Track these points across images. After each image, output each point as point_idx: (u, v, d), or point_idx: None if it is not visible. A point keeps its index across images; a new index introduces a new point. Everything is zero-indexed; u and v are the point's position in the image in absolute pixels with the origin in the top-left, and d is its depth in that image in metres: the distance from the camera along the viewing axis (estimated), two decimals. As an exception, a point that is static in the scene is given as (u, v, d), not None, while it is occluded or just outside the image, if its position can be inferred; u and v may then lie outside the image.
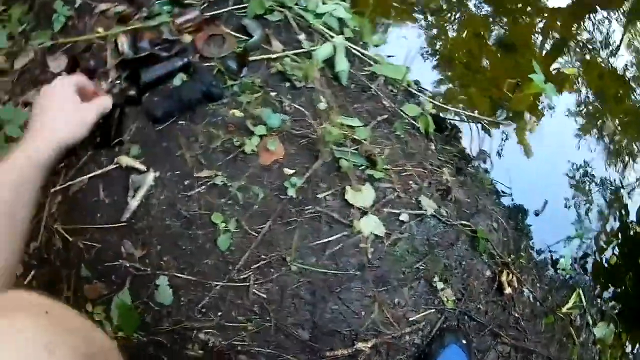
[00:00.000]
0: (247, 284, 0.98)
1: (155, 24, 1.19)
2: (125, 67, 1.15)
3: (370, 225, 0.99)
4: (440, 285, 1.04)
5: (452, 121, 1.24)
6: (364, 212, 1.00)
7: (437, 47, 1.53)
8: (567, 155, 1.46)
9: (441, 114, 1.19)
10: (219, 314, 1.00)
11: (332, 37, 1.11)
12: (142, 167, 1.06)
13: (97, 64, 1.18)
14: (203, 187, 1.02)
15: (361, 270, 1.00)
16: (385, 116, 1.09)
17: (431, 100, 1.12)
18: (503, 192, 1.28)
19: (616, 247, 1.34)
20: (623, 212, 1.46)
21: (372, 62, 1.12)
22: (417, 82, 1.25)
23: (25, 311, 0.46)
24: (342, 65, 1.08)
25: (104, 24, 1.26)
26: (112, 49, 1.19)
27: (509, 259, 1.11)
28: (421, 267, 1.03)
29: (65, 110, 0.83)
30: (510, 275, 1.11)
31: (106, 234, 1.05)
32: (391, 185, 1.03)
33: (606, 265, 1.37)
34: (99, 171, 1.06)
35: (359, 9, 1.20)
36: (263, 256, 0.99)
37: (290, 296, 0.99)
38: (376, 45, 1.19)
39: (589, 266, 1.30)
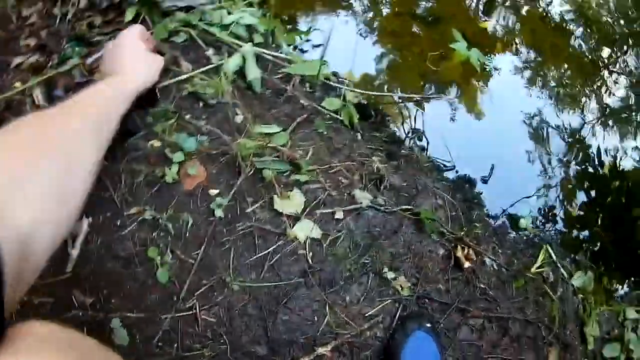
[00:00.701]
0: (194, 311, 0.98)
1: (67, 68, 1.19)
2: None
3: (305, 229, 0.99)
4: (391, 274, 1.03)
5: (381, 105, 1.21)
6: (296, 218, 0.99)
7: (362, 31, 1.49)
8: (510, 112, 1.42)
9: (363, 101, 1.16)
10: (175, 345, 1.00)
11: (240, 46, 1.09)
12: (76, 215, 1.06)
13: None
14: (134, 224, 1.03)
15: (304, 276, 0.99)
16: (305, 115, 1.07)
17: (352, 89, 1.10)
18: (444, 166, 1.25)
19: (581, 194, 1.30)
20: (584, 155, 1.41)
21: (285, 64, 1.10)
22: (335, 74, 1.23)
23: (52, 348, 0.45)
24: (253, 73, 1.06)
25: (20, 78, 1.26)
26: (31, 103, 1.20)
27: (462, 233, 1.09)
28: (366, 260, 1.02)
29: (139, 56, 0.91)
30: (466, 248, 1.09)
31: (55, 288, 1.05)
32: (320, 185, 1.01)
33: (571, 215, 1.33)
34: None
35: (267, 10, 1.18)
36: (204, 281, 0.99)
37: (238, 315, 0.99)
38: (291, 44, 1.17)
39: (555, 222, 1.27)
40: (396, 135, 1.24)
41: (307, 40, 1.39)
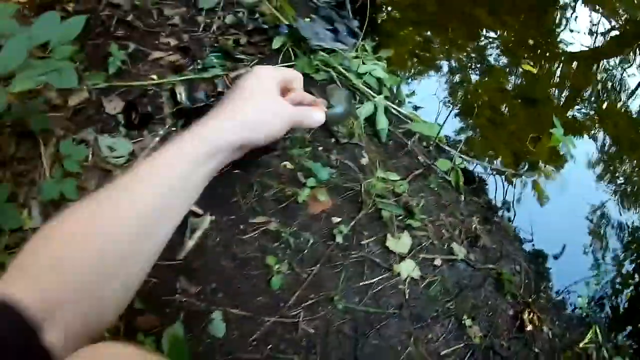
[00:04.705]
0: (297, 320, 1.16)
1: (209, 76, 1.37)
2: (181, 116, 1.33)
3: (407, 269, 1.19)
4: (468, 322, 1.23)
5: (478, 174, 1.45)
6: (402, 257, 1.20)
7: (462, 101, 1.74)
8: (586, 201, 1.67)
9: (468, 167, 1.39)
10: (269, 347, 1.17)
11: (373, 96, 1.31)
12: (200, 211, 1.25)
13: (153, 111, 1.36)
14: (257, 231, 1.21)
15: (399, 309, 1.19)
16: (420, 170, 1.29)
17: (461, 155, 1.32)
18: (525, 238, 1.49)
19: (632, 288, 1.54)
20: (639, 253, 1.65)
21: (407, 120, 1.33)
22: (447, 138, 1.46)
23: None
24: (383, 123, 1.28)
25: (157, 72, 1.44)
26: (168, 97, 1.37)
27: (530, 299, 1.31)
28: (451, 306, 1.22)
29: (265, 99, 0.65)
30: (531, 314, 1.30)
31: (162, 270, 1.21)
32: (426, 233, 1.23)
33: (621, 304, 1.56)
34: (159, 213, 1.23)
35: (392, 68, 1.41)
36: (312, 295, 1.17)
37: (335, 332, 1.17)
38: (409, 101, 1.40)
39: (605, 306, 1.50)
40: (492, 203, 1.48)
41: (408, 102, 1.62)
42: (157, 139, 1.34)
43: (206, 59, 1.41)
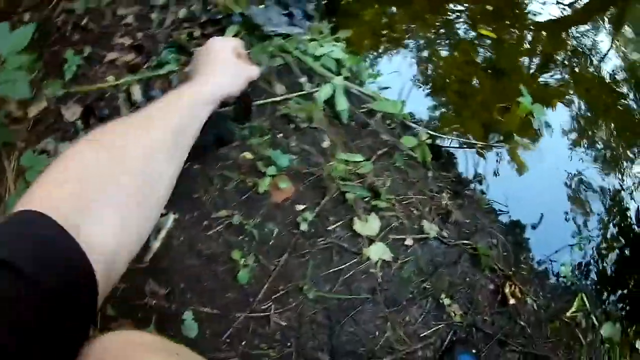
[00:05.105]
0: (268, 313, 1.14)
1: (164, 73, 1.35)
2: (138, 116, 1.31)
3: (378, 251, 1.16)
4: (447, 301, 1.20)
5: (447, 148, 1.41)
6: (371, 240, 1.17)
7: (429, 75, 1.71)
8: (563, 168, 1.64)
9: (437, 142, 1.35)
10: (243, 343, 1.15)
11: (331, 78, 1.27)
12: (162, 210, 1.21)
13: (111, 113, 1.34)
14: (221, 226, 1.18)
15: (372, 293, 1.16)
16: (385, 149, 1.26)
17: (427, 131, 1.29)
18: (500, 210, 1.45)
19: (617, 251, 1.50)
20: (623, 216, 1.62)
21: (370, 99, 1.29)
22: (411, 114, 1.43)
23: (159, 354, 0.49)
24: (343, 104, 1.25)
25: (114, 73, 1.42)
26: (125, 98, 1.35)
27: (510, 272, 1.27)
28: (428, 286, 1.19)
29: (228, 63, 0.91)
30: (513, 286, 1.27)
31: (130, 275, 1.19)
32: (395, 213, 1.20)
33: (608, 269, 1.52)
34: (121, 216, 1.21)
35: (353, 48, 1.37)
36: (281, 287, 1.15)
37: (308, 322, 1.15)
38: (372, 80, 1.36)
39: (591, 273, 1.47)
40: (462, 177, 1.45)
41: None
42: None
43: (161, 56, 1.38)
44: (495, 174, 1.47)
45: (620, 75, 1.94)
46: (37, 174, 1.26)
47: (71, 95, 1.42)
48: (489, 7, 1.96)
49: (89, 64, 1.46)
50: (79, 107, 1.39)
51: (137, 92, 1.34)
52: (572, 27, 2.05)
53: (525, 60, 1.82)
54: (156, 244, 1.20)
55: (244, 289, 1.15)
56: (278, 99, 1.27)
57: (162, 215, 1.22)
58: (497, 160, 1.49)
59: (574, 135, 1.70)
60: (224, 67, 0.90)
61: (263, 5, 1.42)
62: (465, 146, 1.40)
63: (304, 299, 1.14)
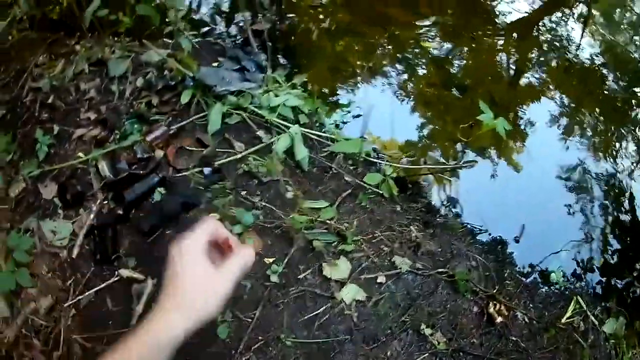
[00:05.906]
0: (251, 365, 1.18)
1: (129, 144, 1.41)
2: (109, 189, 1.37)
3: (350, 293, 1.20)
4: (428, 331, 1.24)
5: (415, 177, 1.44)
6: (343, 283, 1.21)
7: (393, 102, 1.74)
8: (543, 172, 1.66)
9: (402, 174, 1.38)
10: (229, 396, 1.18)
11: (287, 127, 1.32)
12: (141, 277, 1.28)
13: (84, 189, 1.40)
14: (197, 287, 1.22)
15: (350, 334, 1.20)
16: (349, 191, 1.30)
17: (391, 164, 1.33)
18: (478, 230, 1.48)
19: (609, 247, 1.51)
20: (606, 212, 1.63)
21: (329, 142, 1.34)
22: (375, 150, 1.47)
23: None
24: (302, 152, 1.30)
25: (83, 149, 1.48)
26: (94, 173, 1.41)
27: (494, 291, 1.30)
28: (406, 319, 1.23)
29: (196, 275, 0.68)
30: (498, 305, 1.30)
31: (119, 339, 1.24)
32: (364, 253, 1.24)
33: (599, 269, 1.53)
34: (103, 285, 1.27)
35: (311, 90, 1.42)
36: (260, 337, 1.19)
37: (290, 369, 1.18)
38: (334, 122, 1.40)
39: (585, 273, 1.47)
40: (432, 205, 1.49)
41: (348, 112, 1.64)
42: (92, 215, 1.38)
43: (124, 127, 1.44)
44: (467, 195, 1.48)
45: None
46: (23, 253, 1.34)
47: (47, 174, 1.48)
48: (452, 20, 2.00)
49: (60, 142, 1.52)
50: (55, 184, 1.46)
51: (104, 168, 1.39)
52: (543, 20, 2.08)
53: (494, 68, 1.85)
54: (139, 308, 1.25)
55: (225, 343, 1.20)
56: (238, 156, 1.32)
57: (141, 281, 1.27)
58: (469, 180, 1.51)
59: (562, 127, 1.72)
60: (192, 284, 0.66)
61: (216, 64, 1.48)
62: (436, 172, 1.43)
63: (283, 347, 1.19)
